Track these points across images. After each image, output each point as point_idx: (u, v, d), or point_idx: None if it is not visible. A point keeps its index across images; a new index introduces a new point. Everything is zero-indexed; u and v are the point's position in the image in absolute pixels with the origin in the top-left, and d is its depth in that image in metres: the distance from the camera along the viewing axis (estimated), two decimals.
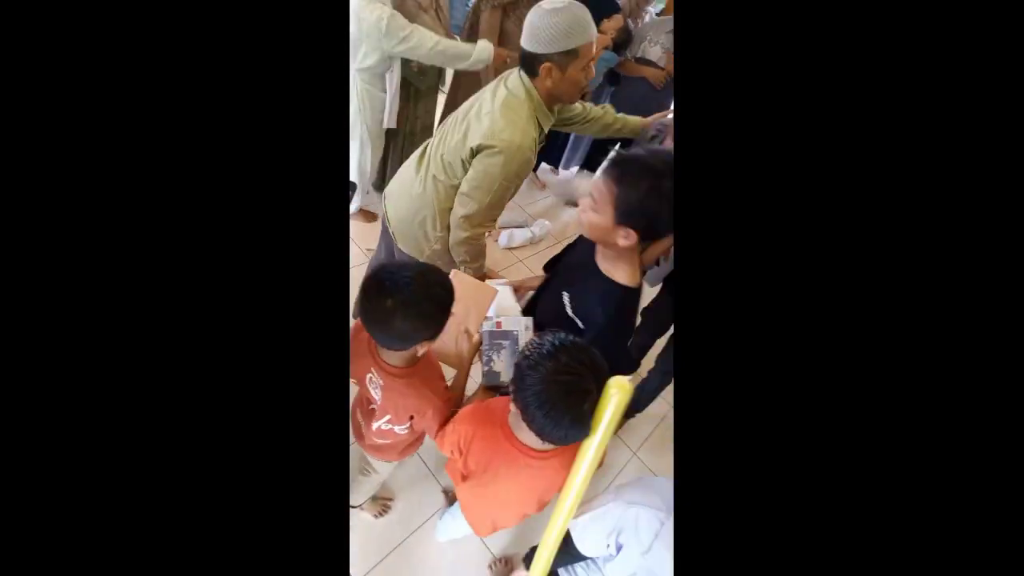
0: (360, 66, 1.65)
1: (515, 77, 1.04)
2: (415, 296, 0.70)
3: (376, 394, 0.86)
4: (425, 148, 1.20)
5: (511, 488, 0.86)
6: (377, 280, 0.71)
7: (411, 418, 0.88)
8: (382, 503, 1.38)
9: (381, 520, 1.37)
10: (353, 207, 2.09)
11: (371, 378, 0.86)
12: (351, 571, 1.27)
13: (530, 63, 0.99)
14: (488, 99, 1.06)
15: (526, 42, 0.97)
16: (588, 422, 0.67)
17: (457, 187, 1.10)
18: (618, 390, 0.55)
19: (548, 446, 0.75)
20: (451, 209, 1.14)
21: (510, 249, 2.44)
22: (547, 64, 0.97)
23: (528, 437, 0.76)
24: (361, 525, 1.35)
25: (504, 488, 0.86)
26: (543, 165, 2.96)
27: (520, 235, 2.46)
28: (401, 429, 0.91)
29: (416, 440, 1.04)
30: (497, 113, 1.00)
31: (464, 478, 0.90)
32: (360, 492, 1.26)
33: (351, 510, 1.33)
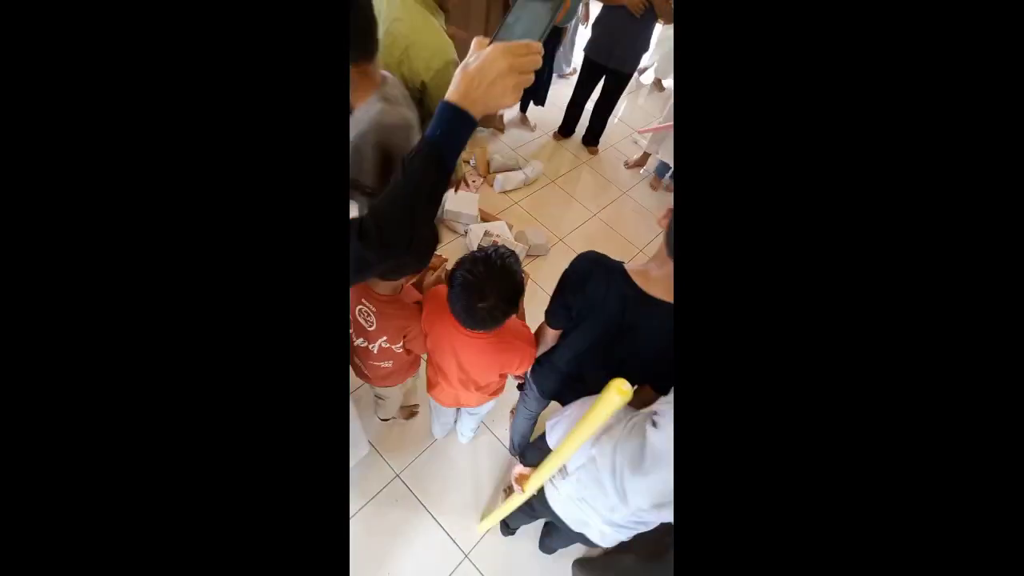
0: None
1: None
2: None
3: (371, 320, 1.06)
4: None
5: (457, 365, 1.07)
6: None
7: (404, 336, 1.08)
8: (409, 410, 1.66)
9: (412, 424, 1.65)
10: None
11: (361, 309, 1.05)
12: (396, 465, 1.57)
13: None
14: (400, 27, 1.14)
15: None
16: (476, 317, 0.85)
17: None
18: (617, 393, 0.61)
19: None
20: None
21: (505, 192, 2.58)
22: None
23: None
24: (396, 430, 1.64)
25: (453, 364, 1.07)
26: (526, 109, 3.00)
27: (514, 178, 2.59)
28: (398, 347, 1.12)
29: (412, 362, 1.24)
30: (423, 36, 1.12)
31: (428, 356, 1.12)
32: (384, 412, 1.53)
33: (387, 421, 1.61)
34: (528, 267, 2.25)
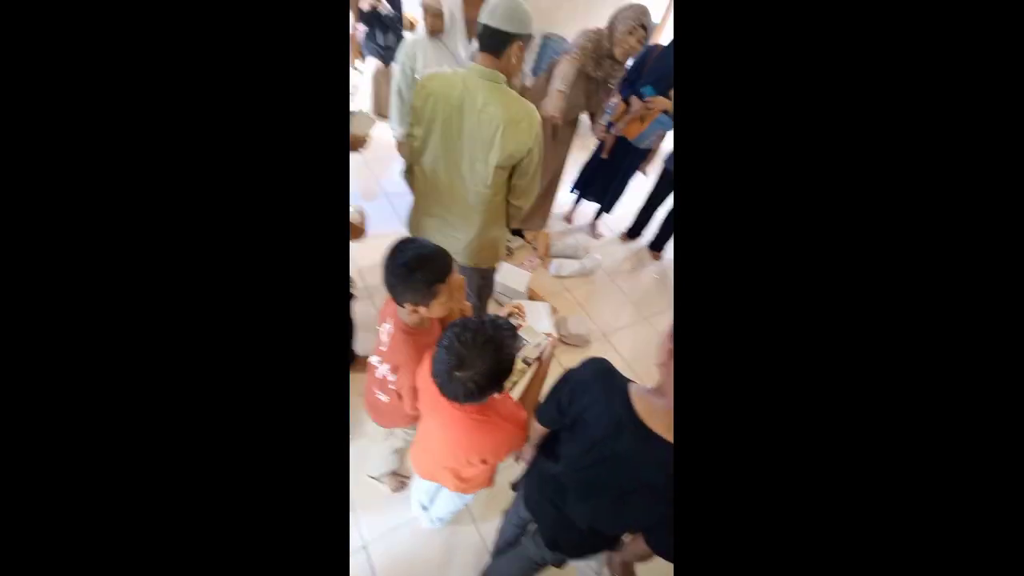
0: None
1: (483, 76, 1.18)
2: (409, 267, 0.89)
3: (384, 338, 1.06)
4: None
5: (439, 434, 0.98)
6: (394, 249, 0.92)
7: (396, 369, 1.05)
8: (400, 479, 1.55)
9: (396, 495, 1.54)
10: None
11: (386, 326, 1.06)
12: (365, 533, 1.44)
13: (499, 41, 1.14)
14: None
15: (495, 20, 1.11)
16: (452, 386, 0.79)
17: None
18: None
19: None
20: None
21: (559, 278, 2.58)
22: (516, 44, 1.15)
23: None
24: (378, 496, 1.53)
25: (436, 432, 0.99)
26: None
27: (569, 266, 2.60)
28: (392, 384, 1.08)
29: (402, 417, 1.17)
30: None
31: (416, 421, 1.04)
32: (375, 465, 1.44)
33: (372, 480, 1.52)
34: (563, 355, 2.16)
